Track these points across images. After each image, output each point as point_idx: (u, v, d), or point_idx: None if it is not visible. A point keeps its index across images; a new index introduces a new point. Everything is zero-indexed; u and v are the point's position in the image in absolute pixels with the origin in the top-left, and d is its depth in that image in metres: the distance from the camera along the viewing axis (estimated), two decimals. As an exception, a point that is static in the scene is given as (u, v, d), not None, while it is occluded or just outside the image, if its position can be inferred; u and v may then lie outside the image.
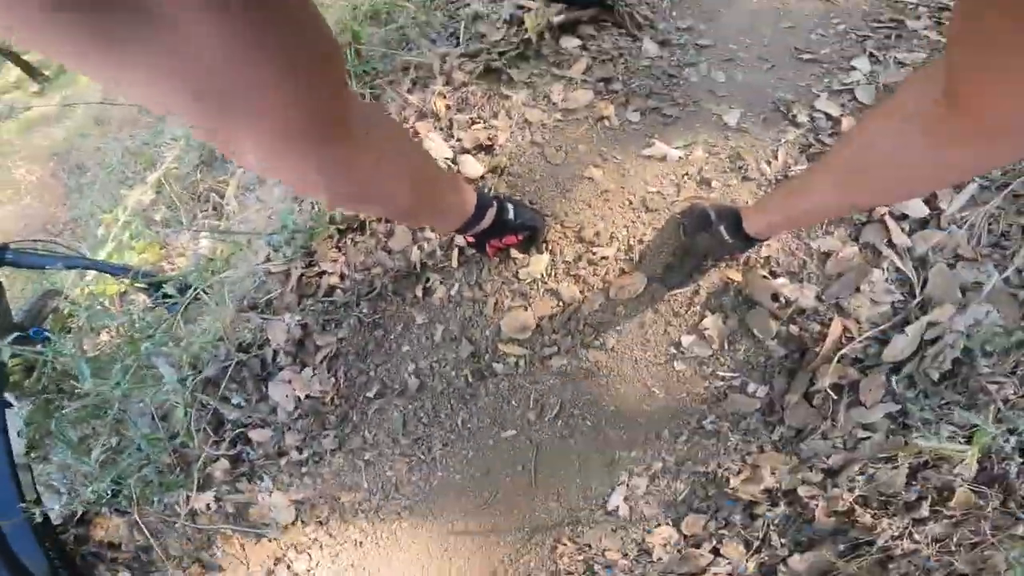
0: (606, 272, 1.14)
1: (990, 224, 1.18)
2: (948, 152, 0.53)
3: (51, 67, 7.56)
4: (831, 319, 1.09)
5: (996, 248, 1.16)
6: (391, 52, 1.51)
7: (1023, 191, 1.20)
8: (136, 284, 1.30)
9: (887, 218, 1.19)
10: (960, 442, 0.97)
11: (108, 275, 1.33)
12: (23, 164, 4.00)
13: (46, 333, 1.33)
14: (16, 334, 1.18)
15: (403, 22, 1.52)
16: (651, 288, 1.11)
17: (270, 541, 1.23)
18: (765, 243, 1.14)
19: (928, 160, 0.56)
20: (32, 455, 1.25)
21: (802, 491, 1.02)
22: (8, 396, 1.20)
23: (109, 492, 1.18)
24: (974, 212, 1.18)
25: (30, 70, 7.48)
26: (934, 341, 1.08)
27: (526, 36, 1.47)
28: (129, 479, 1.17)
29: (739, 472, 1.05)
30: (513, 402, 1.11)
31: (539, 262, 1.14)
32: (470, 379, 1.11)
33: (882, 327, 1.10)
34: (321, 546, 1.23)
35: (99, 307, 1.36)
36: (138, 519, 1.24)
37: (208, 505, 1.23)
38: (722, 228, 1.01)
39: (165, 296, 1.23)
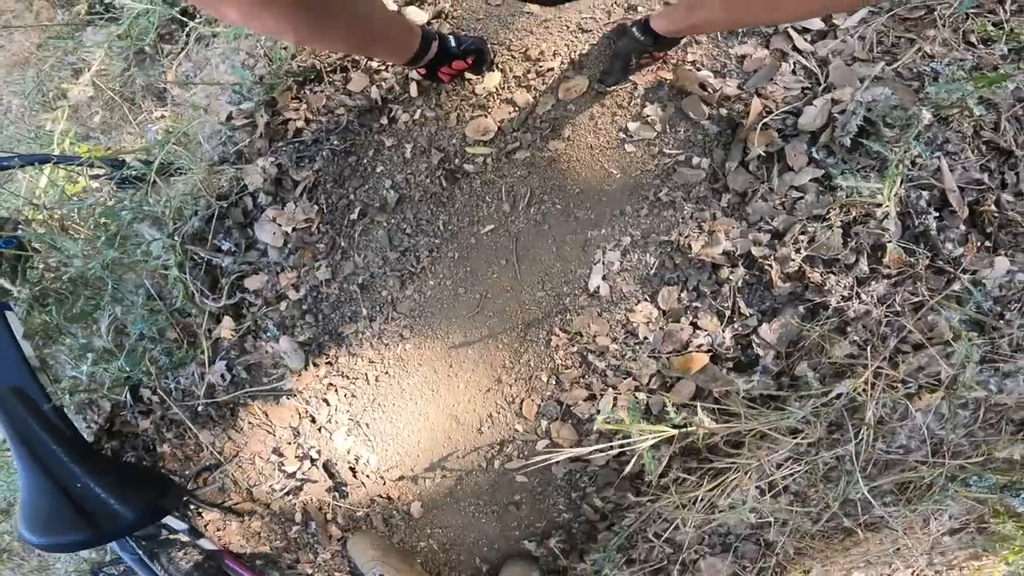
0: (553, 80, 1.26)
1: (880, 38, 1.37)
2: None
3: None
4: (753, 99, 1.26)
5: (887, 54, 1.34)
6: None
7: (909, 16, 1.40)
8: (97, 170, 1.30)
9: (790, 30, 1.36)
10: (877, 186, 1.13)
11: (67, 167, 1.32)
12: None
13: (16, 239, 1.32)
14: None
15: None
16: (594, 87, 1.25)
17: (289, 398, 1.30)
18: (688, 52, 1.29)
19: None
20: (43, 354, 1.26)
21: (755, 252, 1.18)
22: (7, 301, 1.19)
23: (125, 376, 1.21)
24: (865, 28, 1.36)
25: None
26: (842, 114, 1.26)
27: None
28: (141, 365, 1.21)
29: (698, 238, 1.21)
30: (487, 198, 1.22)
31: (492, 78, 1.24)
32: (444, 183, 1.22)
33: (795, 105, 1.28)
34: (336, 389, 1.30)
35: (67, 201, 1.36)
36: (159, 417, 1.27)
37: (223, 376, 1.28)
38: (634, 29, 1.16)
39: (131, 174, 1.25)
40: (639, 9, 1.38)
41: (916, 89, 1.29)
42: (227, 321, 1.25)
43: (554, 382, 1.24)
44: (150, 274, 1.25)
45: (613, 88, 1.25)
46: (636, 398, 1.19)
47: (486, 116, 1.23)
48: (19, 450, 0.96)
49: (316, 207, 1.21)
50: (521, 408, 1.26)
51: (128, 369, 1.18)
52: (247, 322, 1.26)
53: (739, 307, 1.20)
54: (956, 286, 1.11)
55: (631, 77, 1.27)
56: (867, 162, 1.23)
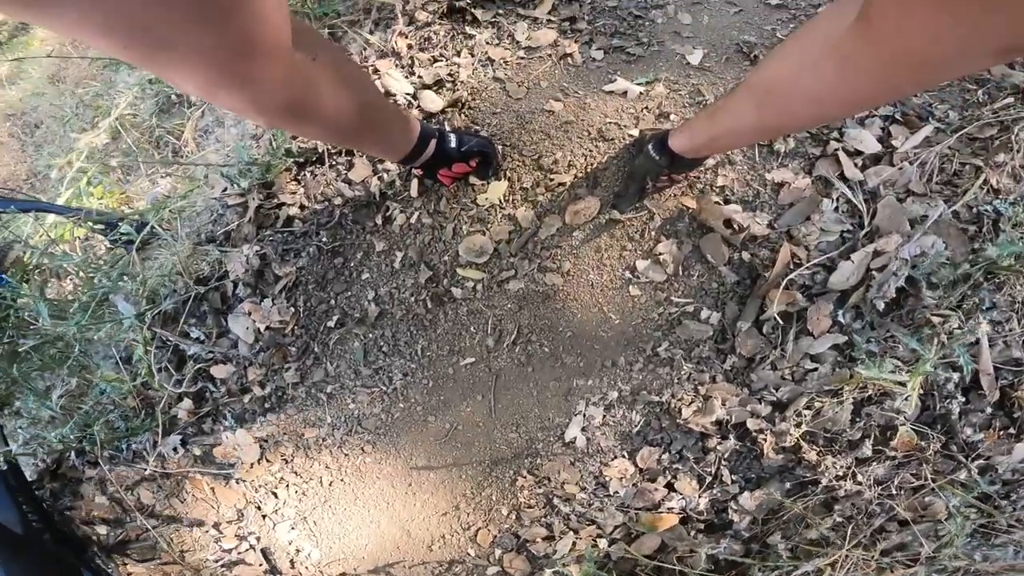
0: (563, 198, 1.15)
1: (942, 163, 1.22)
2: (856, 78, 0.55)
3: (3, 31, 7.23)
4: (782, 246, 1.13)
5: (947, 186, 1.19)
6: None
7: (979, 135, 1.24)
8: (92, 225, 1.28)
9: (840, 153, 1.22)
10: (903, 375, 1.01)
11: (63, 217, 1.31)
12: None
13: (6, 280, 1.31)
14: None
15: None
16: (605, 213, 1.14)
17: (238, 483, 1.25)
18: (718, 174, 1.17)
19: (837, 86, 0.58)
20: (3, 409, 1.25)
21: (751, 424, 1.06)
22: None
23: (74, 438, 1.18)
24: (927, 152, 1.21)
25: None
26: (881, 270, 1.12)
27: None
28: (94, 425, 1.18)
29: (691, 403, 1.09)
30: (472, 328, 1.13)
31: (497, 188, 1.15)
32: (429, 304, 1.13)
33: (829, 255, 1.14)
34: (287, 485, 1.25)
35: (61, 252, 1.34)
36: (106, 470, 1.24)
37: (175, 448, 1.25)
38: (650, 147, 1.04)
39: (122, 236, 1.22)
40: (671, 117, 1.26)
41: (972, 236, 1.14)
42: (187, 403, 1.21)
43: (514, 517, 1.15)
44: (118, 344, 1.22)
45: (627, 216, 1.13)
46: (596, 545, 1.09)
47: (483, 233, 1.14)
48: None
49: (293, 310, 1.15)
50: (476, 535, 1.17)
51: (74, 437, 1.15)
52: (208, 407, 1.21)
53: (722, 475, 1.08)
54: (964, 473, 0.98)
55: (648, 203, 1.15)
56: (898, 329, 1.09)
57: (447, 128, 1.18)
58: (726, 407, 1.06)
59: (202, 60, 0.50)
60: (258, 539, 1.27)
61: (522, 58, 1.39)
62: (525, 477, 1.14)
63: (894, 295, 1.08)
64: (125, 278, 1.14)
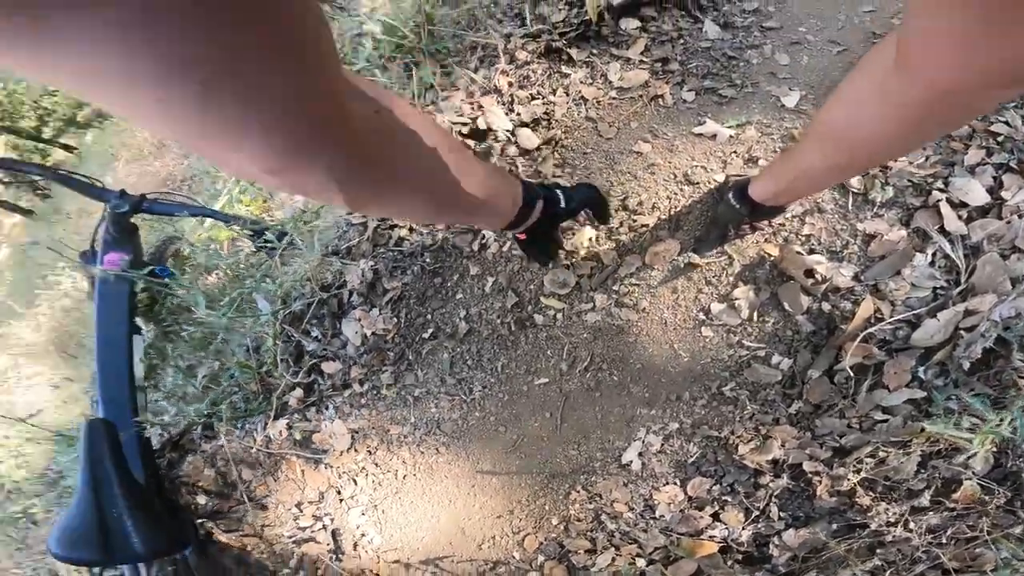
0: (645, 239, 1.23)
1: None
2: (896, 113, 0.59)
3: None
4: (865, 299, 1.13)
5: None
6: (460, 32, 1.65)
7: None
8: (244, 231, 1.54)
9: (942, 204, 1.20)
10: (977, 434, 0.99)
11: (222, 223, 1.58)
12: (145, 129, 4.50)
13: (169, 271, 1.61)
14: (147, 270, 1.45)
15: (472, 4, 1.64)
16: (685, 256, 1.20)
17: (326, 468, 1.44)
18: (805, 222, 1.19)
19: (882, 123, 0.62)
20: (148, 381, 1.53)
21: (807, 466, 1.08)
22: (139, 322, 1.48)
23: (206, 413, 1.44)
24: None
25: None
26: (970, 330, 1.09)
27: (586, 17, 1.55)
28: (222, 404, 1.42)
29: (750, 440, 1.13)
30: (549, 352, 1.25)
31: (584, 234, 1.25)
32: (512, 327, 1.26)
33: (917, 311, 1.12)
34: (367, 474, 1.43)
35: (213, 249, 1.63)
36: (220, 445, 1.49)
37: (280, 432, 1.46)
38: (731, 195, 1.08)
39: (266, 242, 1.47)
40: (759, 162, 1.29)
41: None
42: (298, 392, 1.42)
43: (562, 527, 1.25)
44: (251, 334, 1.46)
45: (706, 260, 1.19)
46: (634, 563, 1.16)
47: (568, 267, 1.24)
48: (85, 476, 1.12)
49: (395, 320, 1.33)
50: (524, 540, 1.28)
51: (208, 412, 1.39)
52: (314, 397, 1.42)
53: (770, 511, 1.10)
54: (1021, 528, 0.94)
55: (728, 247, 1.20)
56: (983, 389, 1.06)
57: (550, 183, 1.08)
58: (785, 448, 1.09)
59: (278, 118, 0.39)
60: (331, 520, 1.46)
61: (614, 98, 1.47)
62: (579, 492, 1.24)
63: (980, 355, 1.06)
64: (267, 280, 1.38)
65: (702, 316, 1.18)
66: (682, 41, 1.52)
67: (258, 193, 1.93)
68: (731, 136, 1.32)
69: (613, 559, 1.18)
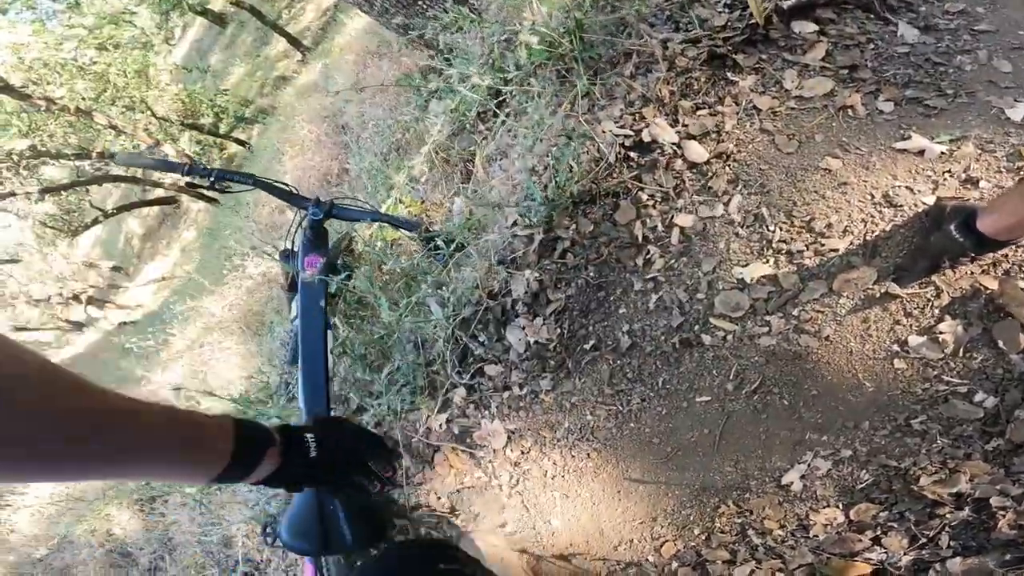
0: (833, 264, 1.16)
1: None
2: None
3: (308, 39, 9.29)
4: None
5: None
6: (612, 38, 1.63)
7: None
8: (418, 238, 1.68)
9: None
10: None
11: (394, 227, 1.74)
12: (304, 124, 4.98)
13: (349, 268, 1.79)
14: (344, 275, 1.63)
15: (625, 12, 1.62)
16: (882, 285, 1.12)
17: (479, 461, 1.54)
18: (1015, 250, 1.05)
19: None
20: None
21: (995, 501, 0.99)
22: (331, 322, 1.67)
23: (388, 406, 1.60)
24: None
25: (294, 42, 9.24)
26: None
27: (752, 21, 1.47)
28: (393, 396, 1.57)
29: (934, 473, 1.04)
30: (714, 372, 1.23)
31: (757, 269, 1.21)
32: (677, 345, 1.26)
33: None
34: (518, 470, 1.50)
35: (382, 248, 1.81)
36: (398, 432, 1.65)
37: (441, 425, 1.59)
38: (952, 226, 0.97)
39: (436, 248, 1.59)
40: (980, 184, 1.16)
41: None
42: (461, 391, 1.54)
43: (704, 538, 1.24)
44: (421, 333, 1.60)
45: (908, 291, 1.10)
46: None
47: (742, 291, 1.21)
48: None
49: (558, 330, 1.39)
50: (661, 547, 1.28)
51: (386, 407, 1.56)
52: (476, 396, 1.53)
53: (940, 540, 1.01)
54: None
55: (936, 278, 1.10)
56: None
57: (304, 424, 0.76)
58: (973, 483, 1.00)
59: None
60: (477, 509, 1.56)
61: (792, 108, 1.39)
62: (728, 506, 1.21)
63: None
64: (442, 288, 1.51)
65: (896, 348, 1.09)
66: (872, 46, 1.39)
67: (417, 195, 2.10)
68: (943, 152, 1.19)
69: (752, 571, 1.16)
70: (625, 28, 1.67)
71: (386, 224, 1.82)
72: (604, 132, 1.49)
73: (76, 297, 10.84)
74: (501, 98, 1.86)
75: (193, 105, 10.44)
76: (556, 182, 1.48)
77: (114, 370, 6.80)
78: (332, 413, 1.45)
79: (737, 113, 1.42)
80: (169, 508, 2.89)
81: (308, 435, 0.71)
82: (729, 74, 1.48)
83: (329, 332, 1.59)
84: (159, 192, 10.94)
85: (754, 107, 1.42)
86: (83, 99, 8.66)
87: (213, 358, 3.45)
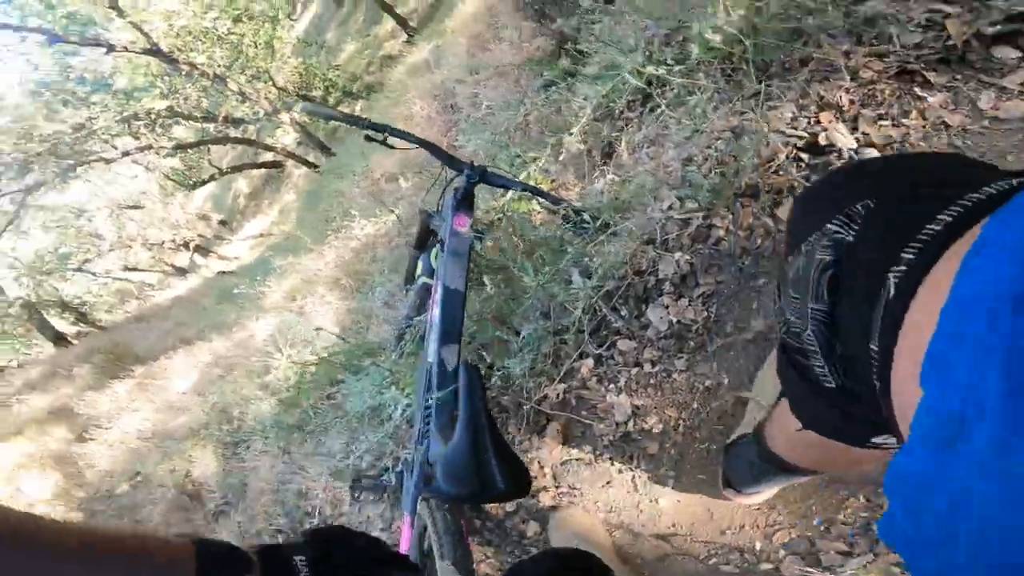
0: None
1: None
2: None
3: (415, 20, 9.73)
4: None
5: None
6: (786, 44, 1.65)
7: None
8: (561, 211, 1.77)
9: None
10: None
11: (546, 201, 1.83)
12: (416, 101, 5.20)
13: (483, 232, 1.89)
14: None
15: (803, 24, 1.62)
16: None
17: (590, 435, 1.58)
18: None
19: None
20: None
21: None
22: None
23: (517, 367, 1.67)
24: None
25: (402, 22, 9.70)
26: None
27: (949, 42, 1.44)
28: (513, 359, 1.66)
29: None
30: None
31: None
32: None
33: None
34: (639, 446, 1.55)
35: (527, 221, 1.91)
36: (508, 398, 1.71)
37: (558, 395, 1.66)
38: None
39: (583, 223, 1.68)
40: None
41: None
42: (589, 362, 1.61)
43: (823, 528, 1.23)
44: (554, 302, 1.69)
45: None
46: (890, 572, 1.10)
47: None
48: (466, 420, 1.22)
49: (705, 313, 1.43)
50: (774, 534, 1.28)
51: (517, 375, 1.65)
52: (602, 369, 1.60)
53: None
54: None
55: None
56: None
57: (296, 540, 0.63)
58: None
59: None
60: (579, 484, 1.60)
61: (986, 127, 1.36)
62: (858, 500, 1.21)
63: None
64: (587, 258, 1.59)
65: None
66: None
67: (549, 175, 2.20)
68: None
69: (866, 565, 1.15)
70: (800, 36, 1.68)
71: (529, 195, 1.93)
72: (775, 131, 1.51)
73: (186, 244, 11.92)
74: (651, 89, 1.93)
75: (308, 78, 11.18)
76: (719, 172, 1.53)
77: (214, 315, 7.39)
78: (462, 362, 1.44)
79: (923, 127, 1.41)
80: (251, 454, 3.03)
81: (298, 556, 0.57)
82: (918, 90, 1.47)
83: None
84: (268, 156, 11.87)
85: (943, 123, 1.40)
86: (219, 66, 9.45)
87: (313, 311, 3.69)
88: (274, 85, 10.55)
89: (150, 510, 3.59)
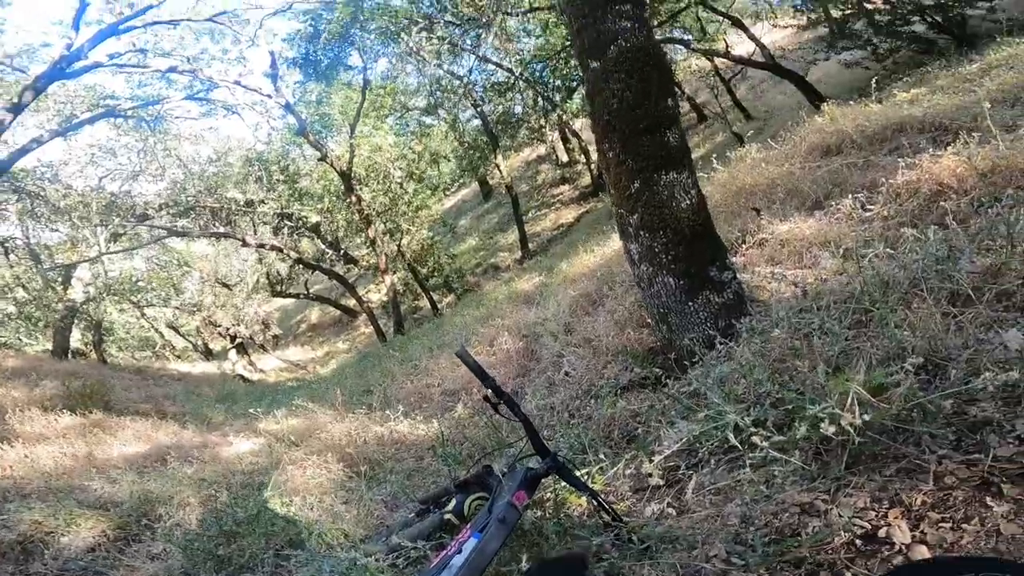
0: None
1: None
2: None
3: (534, 243, 10.63)
4: None
5: None
6: (883, 439, 1.67)
7: None
8: (615, 525, 1.76)
9: None
10: None
11: (603, 512, 1.81)
12: (504, 333, 5.32)
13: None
14: None
15: (918, 426, 1.64)
16: None
17: None
18: None
19: None
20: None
21: None
22: None
23: None
24: None
25: (524, 244, 10.96)
26: None
27: None
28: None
29: None
30: None
31: None
32: None
33: None
34: None
35: (571, 512, 1.88)
36: None
37: None
38: None
39: (628, 540, 1.65)
40: None
41: None
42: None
43: None
44: None
45: None
46: None
47: None
48: None
49: None
50: None
51: None
52: None
53: None
54: None
55: None
56: None
57: None
58: None
59: None
60: None
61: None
62: None
63: None
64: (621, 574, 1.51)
65: None
66: None
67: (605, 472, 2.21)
68: None
69: None
70: (903, 434, 1.69)
71: (594, 503, 1.82)
72: (840, 515, 1.50)
73: (232, 336, 12.22)
74: (741, 445, 1.97)
75: (425, 252, 11.95)
76: (775, 540, 1.51)
77: (206, 407, 7.09)
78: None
79: (979, 532, 1.35)
80: (140, 554, 2.58)
81: None
82: (989, 499, 1.44)
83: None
84: (351, 302, 12.57)
85: (997, 530, 1.34)
86: (372, 209, 10.46)
87: (304, 464, 3.39)
88: (397, 245, 11.12)
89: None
